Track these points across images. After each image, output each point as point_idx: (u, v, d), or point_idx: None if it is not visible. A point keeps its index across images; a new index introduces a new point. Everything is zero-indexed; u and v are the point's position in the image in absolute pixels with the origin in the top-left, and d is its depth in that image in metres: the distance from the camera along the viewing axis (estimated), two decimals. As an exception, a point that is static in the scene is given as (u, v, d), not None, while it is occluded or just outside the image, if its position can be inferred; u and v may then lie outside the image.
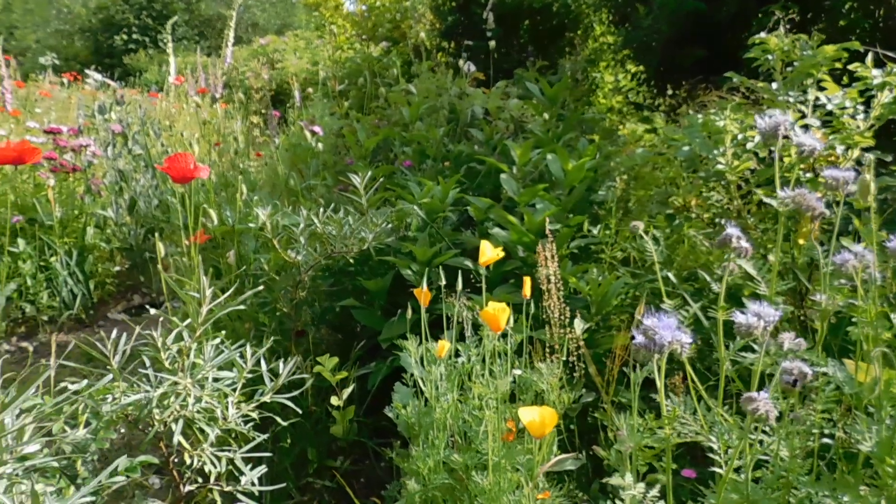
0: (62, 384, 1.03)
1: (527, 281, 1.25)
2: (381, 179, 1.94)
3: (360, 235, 1.61)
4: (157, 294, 3.24)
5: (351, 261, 1.71)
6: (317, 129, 2.17)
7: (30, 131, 3.72)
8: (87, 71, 4.96)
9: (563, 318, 1.27)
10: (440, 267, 1.36)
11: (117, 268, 3.19)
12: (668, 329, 0.81)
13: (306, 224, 1.64)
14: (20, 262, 2.89)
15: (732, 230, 0.91)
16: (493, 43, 2.74)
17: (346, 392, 1.47)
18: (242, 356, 1.05)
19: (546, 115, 2.01)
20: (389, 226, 1.62)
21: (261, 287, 1.29)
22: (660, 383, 0.84)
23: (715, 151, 1.56)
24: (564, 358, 1.29)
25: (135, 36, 14.71)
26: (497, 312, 1.04)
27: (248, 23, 17.68)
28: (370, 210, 1.60)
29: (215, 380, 0.98)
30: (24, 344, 2.79)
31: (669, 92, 2.93)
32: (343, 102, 2.84)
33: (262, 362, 1.08)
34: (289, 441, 1.62)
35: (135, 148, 3.03)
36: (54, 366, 1.39)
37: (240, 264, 1.81)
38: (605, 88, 3.46)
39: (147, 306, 3.19)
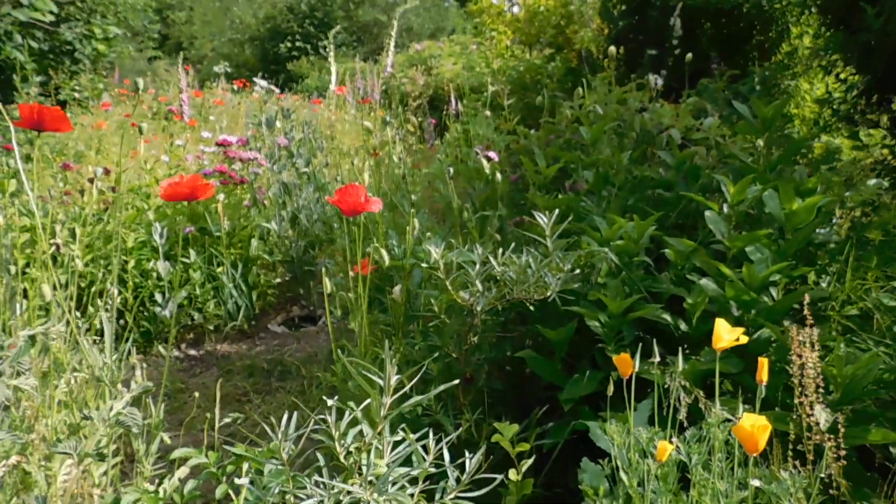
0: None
1: (763, 364, 0.99)
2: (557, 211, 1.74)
3: (543, 281, 1.42)
4: (316, 307, 3.23)
5: (531, 307, 1.52)
6: (493, 155, 2.00)
7: (203, 141, 3.87)
8: (254, 79, 5.16)
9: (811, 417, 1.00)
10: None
11: (278, 279, 3.21)
12: None
13: (482, 265, 1.47)
14: (191, 270, 2.97)
15: None
16: (685, 53, 2.44)
17: (526, 464, 1.28)
18: (426, 448, 0.89)
19: (760, 141, 1.71)
20: (577, 271, 1.41)
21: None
22: None
23: None
24: (812, 458, 1.02)
25: (298, 43, 15.45)
26: (756, 431, 0.80)
27: (403, 28, 18.08)
28: (555, 252, 1.40)
29: (393, 482, 0.82)
30: (192, 352, 2.86)
31: None
32: (510, 116, 2.67)
33: (446, 454, 0.91)
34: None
35: (299, 162, 3.03)
36: (218, 413, 1.32)
37: (407, 301, 1.68)
38: (805, 98, 3.05)
39: (305, 319, 3.20)
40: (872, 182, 1.76)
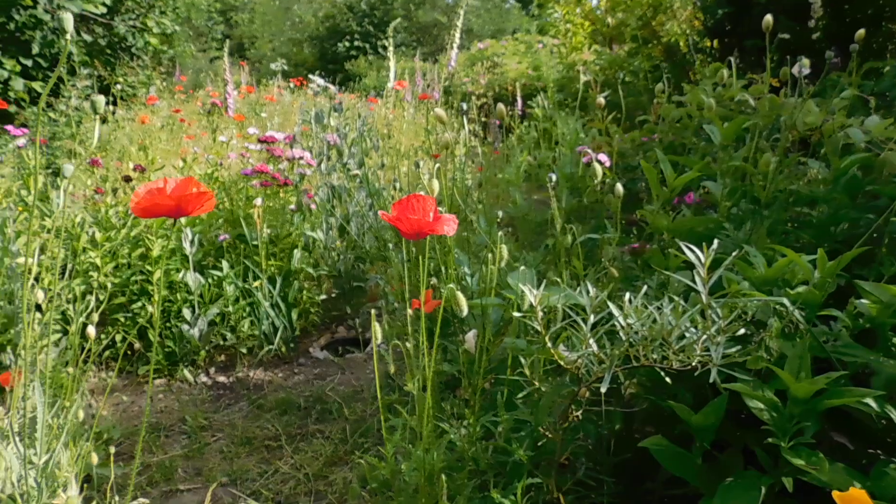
0: None
1: None
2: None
3: (686, 342, 0.97)
4: (363, 329, 2.83)
5: (661, 373, 1.07)
6: (604, 158, 1.56)
7: (248, 138, 3.53)
8: (310, 76, 4.83)
9: None
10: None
11: (323, 296, 2.82)
12: None
13: (595, 313, 1.03)
14: (225, 284, 2.61)
15: None
16: (828, 52, 1.94)
17: None
18: None
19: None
20: (741, 331, 0.96)
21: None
22: None
23: None
24: None
25: (356, 43, 15.26)
26: None
27: (463, 28, 17.72)
28: (711, 302, 0.95)
29: None
30: (221, 378, 2.49)
31: None
32: (601, 114, 2.21)
33: None
34: None
35: (350, 163, 2.63)
36: None
37: (481, 350, 1.25)
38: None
39: (351, 342, 2.80)
40: None
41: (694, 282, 1.00)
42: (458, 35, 4.20)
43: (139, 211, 0.80)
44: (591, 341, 1.01)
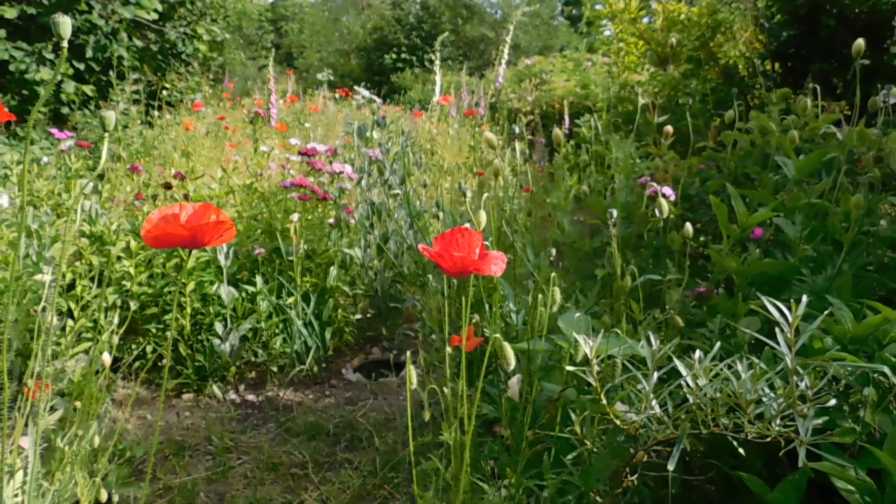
0: None
1: None
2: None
3: (764, 408, 0.85)
4: (398, 352, 2.73)
5: (734, 442, 0.94)
6: (668, 192, 1.43)
7: (290, 149, 3.48)
8: (355, 87, 4.79)
9: None
10: None
11: (358, 315, 2.73)
12: None
13: (658, 367, 0.91)
14: (258, 298, 2.54)
15: None
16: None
17: None
18: None
19: None
20: (832, 402, 0.83)
21: None
22: None
23: None
24: None
25: (403, 55, 15.30)
26: None
27: (511, 44, 17.66)
28: (797, 367, 0.83)
29: None
30: (251, 396, 2.42)
31: None
32: (661, 139, 2.09)
33: None
34: None
35: (392, 179, 2.55)
36: None
37: (525, 397, 1.13)
38: None
39: (385, 365, 2.71)
40: None
41: (771, 337, 0.88)
42: (507, 51, 4.10)
43: (151, 240, 0.71)
44: (654, 402, 0.89)
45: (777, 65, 3.74)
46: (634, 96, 3.84)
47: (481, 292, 1.28)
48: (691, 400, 0.88)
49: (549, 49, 18.08)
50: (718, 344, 0.86)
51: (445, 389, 1.07)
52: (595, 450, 0.98)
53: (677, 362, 0.87)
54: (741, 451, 0.88)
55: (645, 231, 1.59)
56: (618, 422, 0.94)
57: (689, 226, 1.11)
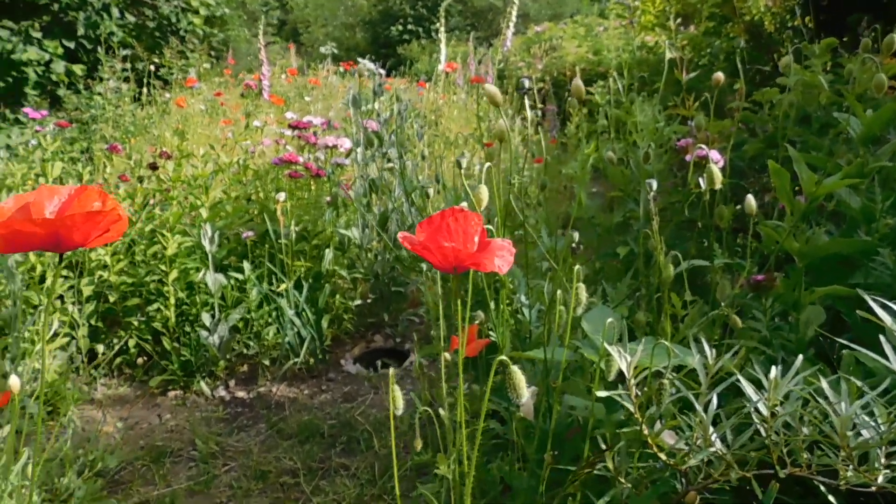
0: None
1: None
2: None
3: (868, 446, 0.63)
4: (402, 339, 2.53)
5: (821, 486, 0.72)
6: (716, 156, 1.20)
7: (283, 123, 3.25)
8: (359, 60, 4.55)
9: None
10: None
11: (358, 301, 2.52)
12: None
13: (712, 385, 0.69)
14: (248, 285, 2.33)
15: None
16: None
17: None
18: None
19: None
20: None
21: None
22: None
23: None
24: None
25: (409, 27, 14.95)
26: None
27: (519, 13, 17.22)
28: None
29: None
30: (241, 393, 2.22)
31: None
32: (688, 98, 1.84)
33: None
34: None
35: (390, 152, 2.32)
36: None
37: (545, 415, 0.92)
38: None
39: (388, 353, 2.50)
40: None
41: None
42: (514, 13, 3.83)
43: (2, 242, 0.49)
44: (714, 435, 0.67)
45: (807, 19, 3.44)
46: (653, 57, 3.57)
47: (484, 283, 1.05)
48: (763, 432, 0.65)
49: (558, 17, 17.61)
50: (801, 357, 0.63)
51: (441, 412, 0.85)
52: (631, 486, 0.76)
53: (745, 384, 0.65)
54: (831, 498, 0.66)
55: (684, 204, 1.35)
56: (663, 457, 0.72)
57: (751, 198, 0.88)
